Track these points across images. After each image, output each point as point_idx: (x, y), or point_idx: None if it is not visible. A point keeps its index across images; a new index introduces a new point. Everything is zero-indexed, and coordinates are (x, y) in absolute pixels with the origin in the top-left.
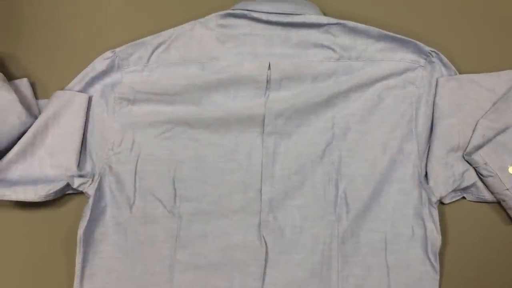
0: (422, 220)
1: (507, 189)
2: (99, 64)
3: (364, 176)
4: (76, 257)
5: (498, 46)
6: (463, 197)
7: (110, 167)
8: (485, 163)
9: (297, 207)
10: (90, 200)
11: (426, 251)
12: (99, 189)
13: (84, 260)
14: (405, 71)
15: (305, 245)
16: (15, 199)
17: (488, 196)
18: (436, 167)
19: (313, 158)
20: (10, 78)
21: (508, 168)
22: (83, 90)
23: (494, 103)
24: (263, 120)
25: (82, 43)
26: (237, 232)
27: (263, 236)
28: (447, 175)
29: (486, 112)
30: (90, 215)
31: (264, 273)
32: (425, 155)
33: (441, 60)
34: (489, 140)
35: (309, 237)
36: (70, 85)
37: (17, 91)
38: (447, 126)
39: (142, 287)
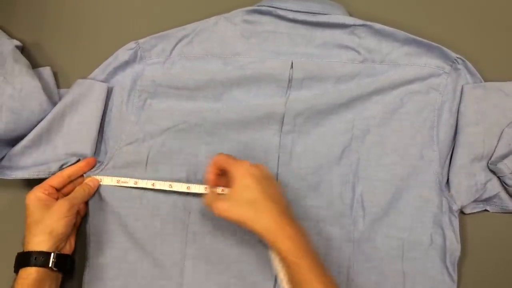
0: (441, 228)
1: None
2: (122, 54)
3: (382, 180)
4: (87, 247)
5: None
6: (486, 210)
7: (121, 158)
8: (510, 173)
9: (312, 207)
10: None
11: (444, 260)
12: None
13: (98, 249)
14: (429, 76)
15: (321, 246)
16: (28, 177)
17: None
18: (458, 176)
19: (331, 159)
20: (33, 66)
21: None
22: (105, 80)
23: None
24: (282, 119)
25: (106, 34)
26: (246, 232)
27: None
28: (470, 184)
29: None
30: (102, 204)
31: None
32: (447, 163)
33: (467, 68)
34: None
35: (323, 239)
36: (92, 75)
37: (40, 78)
38: (471, 135)
39: (152, 279)
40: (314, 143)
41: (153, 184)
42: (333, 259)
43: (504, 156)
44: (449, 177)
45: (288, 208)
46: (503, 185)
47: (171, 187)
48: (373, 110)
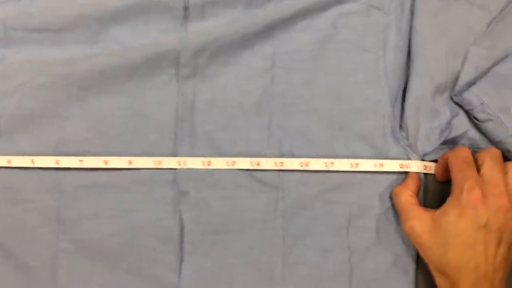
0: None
1: None
2: None
3: (316, 130)
4: None
5: None
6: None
7: None
8: (481, 103)
9: (225, 172)
10: None
11: (401, 229)
12: None
13: None
14: None
15: (238, 222)
16: None
17: (485, 146)
18: (417, 116)
19: (246, 109)
20: None
21: None
22: None
23: (488, 25)
24: (179, 59)
25: None
26: (141, 210)
27: (179, 212)
28: (433, 125)
29: (479, 37)
30: None
31: (181, 261)
32: (399, 101)
33: None
34: (485, 73)
35: (243, 211)
36: None
37: None
38: (430, 59)
39: (14, 286)
40: (223, 89)
41: (9, 161)
42: (256, 237)
43: (471, 83)
44: (404, 119)
45: (495, 275)
46: (472, 121)
47: (33, 162)
48: (298, 41)
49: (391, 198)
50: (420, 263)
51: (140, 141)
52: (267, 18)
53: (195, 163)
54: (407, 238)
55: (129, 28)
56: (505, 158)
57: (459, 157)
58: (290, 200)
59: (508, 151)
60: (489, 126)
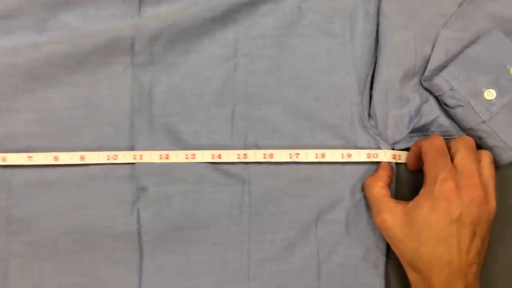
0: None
1: (484, 122)
2: None
3: (282, 120)
4: None
5: None
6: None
7: None
8: (451, 89)
9: (189, 165)
10: None
11: (371, 222)
12: None
13: None
14: None
15: (201, 218)
16: None
17: (456, 134)
18: (385, 103)
19: (208, 99)
20: None
21: (483, 92)
22: None
23: (460, 4)
24: (133, 46)
25: None
26: (95, 207)
27: (137, 209)
28: (402, 113)
29: (449, 19)
30: None
31: (141, 260)
32: (367, 88)
33: None
34: (455, 57)
35: (207, 206)
36: None
37: None
38: (399, 43)
39: None
40: (183, 78)
41: None
42: (220, 233)
43: (441, 68)
44: (372, 107)
45: (469, 270)
46: (442, 107)
47: None
48: (262, 26)
49: (363, 190)
50: (390, 256)
51: (93, 134)
52: (227, 2)
53: (152, 157)
54: (377, 231)
55: (80, 13)
56: (477, 146)
57: (433, 146)
58: (257, 193)
59: (480, 138)
60: (459, 112)
